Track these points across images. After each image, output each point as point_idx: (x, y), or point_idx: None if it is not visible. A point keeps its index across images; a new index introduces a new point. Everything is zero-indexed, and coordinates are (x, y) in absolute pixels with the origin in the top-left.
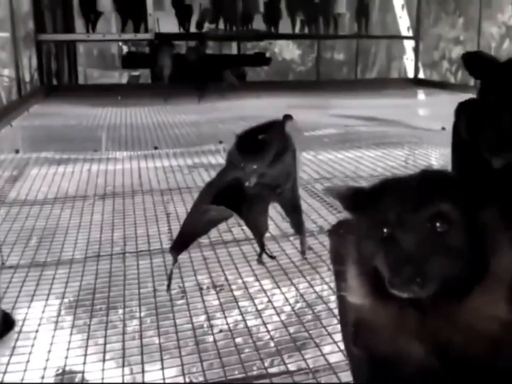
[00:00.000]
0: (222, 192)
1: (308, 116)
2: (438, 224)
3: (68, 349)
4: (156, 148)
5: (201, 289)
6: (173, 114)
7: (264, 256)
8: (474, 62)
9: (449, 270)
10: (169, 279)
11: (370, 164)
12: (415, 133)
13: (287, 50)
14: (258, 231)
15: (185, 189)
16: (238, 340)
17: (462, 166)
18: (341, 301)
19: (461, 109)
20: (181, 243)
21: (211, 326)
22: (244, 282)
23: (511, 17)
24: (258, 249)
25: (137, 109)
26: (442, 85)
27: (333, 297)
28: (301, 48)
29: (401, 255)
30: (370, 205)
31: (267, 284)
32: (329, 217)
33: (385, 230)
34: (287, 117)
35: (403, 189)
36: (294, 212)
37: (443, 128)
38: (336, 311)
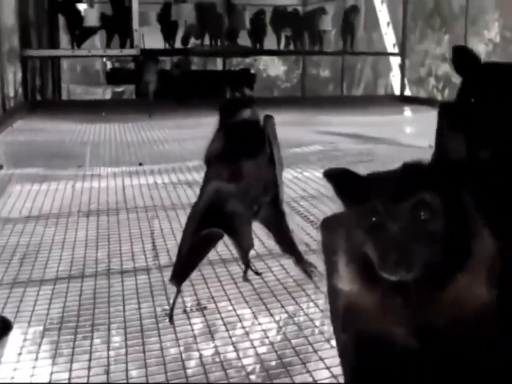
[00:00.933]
0: (207, 212)
1: (294, 133)
2: (421, 213)
3: (52, 365)
4: (140, 164)
5: (185, 310)
6: (157, 130)
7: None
8: (462, 57)
9: (434, 254)
10: (171, 309)
11: None
12: (402, 151)
13: (272, 67)
14: (243, 247)
15: (169, 206)
16: (224, 362)
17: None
18: (331, 289)
19: (444, 108)
20: (181, 272)
21: (197, 345)
22: (230, 302)
23: (498, 34)
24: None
25: (121, 125)
26: (429, 102)
27: (320, 315)
28: (286, 64)
29: (389, 242)
30: (360, 195)
31: (253, 304)
32: (315, 233)
33: (373, 219)
34: (268, 117)
35: (389, 180)
36: (281, 231)
37: (430, 146)
38: (323, 329)
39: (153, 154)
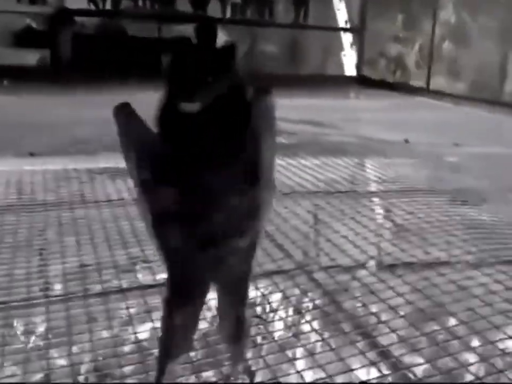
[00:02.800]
0: None
1: None
2: None
3: None
4: (31, 155)
5: None
6: (72, 108)
7: None
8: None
9: None
10: None
11: (310, 177)
12: (376, 145)
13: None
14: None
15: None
16: None
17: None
18: None
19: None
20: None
21: None
22: None
23: (452, 16)
24: None
25: (23, 98)
26: (386, 85)
27: None
28: (231, 37)
29: None
30: None
31: None
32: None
33: None
34: (262, 93)
35: None
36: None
37: (406, 141)
38: None
39: (57, 139)
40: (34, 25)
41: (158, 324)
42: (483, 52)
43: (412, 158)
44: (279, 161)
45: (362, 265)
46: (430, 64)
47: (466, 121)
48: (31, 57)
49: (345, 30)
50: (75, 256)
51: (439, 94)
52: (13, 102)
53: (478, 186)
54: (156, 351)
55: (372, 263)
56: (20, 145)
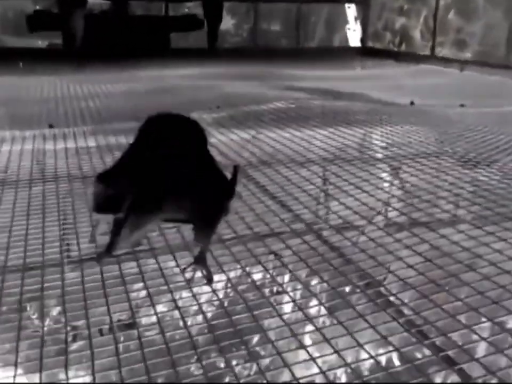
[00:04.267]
0: None
1: (247, 88)
2: None
3: None
4: (51, 126)
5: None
6: (86, 84)
7: None
8: None
9: None
10: None
11: (322, 144)
12: (383, 108)
13: None
14: None
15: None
16: None
17: None
18: None
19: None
20: None
21: None
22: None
23: None
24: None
25: (42, 78)
26: (391, 55)
27: None
28: (235, 17)
29: None
30: None
31: None
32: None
33: None
34: None
35: None
36: None
37: (412, 103)
38: None
39: (80, 113)
40: (45, 7)
41: None
42: (489, 21)
43: (418, 120)
44: (285, 134)
45: (370, 222)
46: (435, 25)
47: (471, 85)
48: (41, 42)
49: (349, 1)
50: None
51: (444, 60)
52: (29, 82)
53: (487, 146)
54: None
55: (378, 222)
56: (39, 118)
